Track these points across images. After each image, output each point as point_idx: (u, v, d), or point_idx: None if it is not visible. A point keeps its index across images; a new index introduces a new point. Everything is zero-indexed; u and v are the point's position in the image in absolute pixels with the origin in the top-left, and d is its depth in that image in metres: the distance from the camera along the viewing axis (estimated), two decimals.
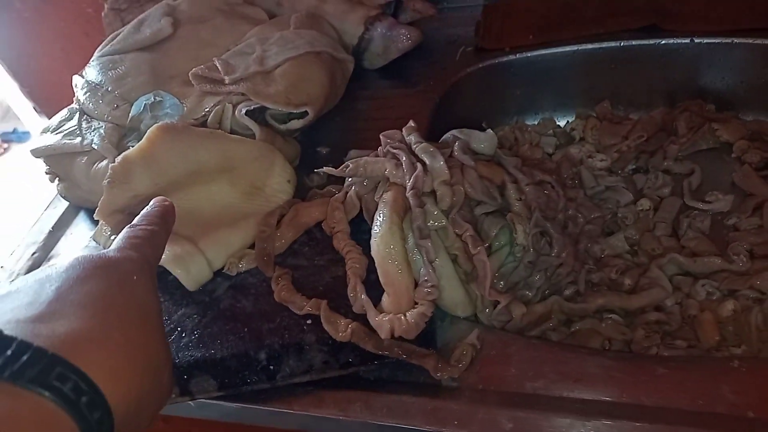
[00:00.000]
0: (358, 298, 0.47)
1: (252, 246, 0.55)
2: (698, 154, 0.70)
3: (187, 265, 0.51)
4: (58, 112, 0.66)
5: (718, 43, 0.66)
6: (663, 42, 0.67)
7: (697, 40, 0.66)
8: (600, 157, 0.70)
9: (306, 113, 0.59)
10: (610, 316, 0.54)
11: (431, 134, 0.65)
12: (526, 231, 0.50)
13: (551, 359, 0.45)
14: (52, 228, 0.66)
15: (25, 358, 0.25)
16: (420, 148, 0.50)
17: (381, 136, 0.54)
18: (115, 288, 0.31)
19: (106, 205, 0.54)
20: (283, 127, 0.60)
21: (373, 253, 0.46)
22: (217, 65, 0.60)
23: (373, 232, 0.47)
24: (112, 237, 0.56)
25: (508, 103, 0.77)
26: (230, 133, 0.58)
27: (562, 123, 0.77)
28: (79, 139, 0.58)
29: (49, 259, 0.63)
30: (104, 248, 0.57)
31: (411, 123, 0.54)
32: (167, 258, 0.51)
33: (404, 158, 0.49)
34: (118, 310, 0.30)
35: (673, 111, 0.71)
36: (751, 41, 0.65)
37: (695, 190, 0.66)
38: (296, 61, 0.61)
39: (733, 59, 0.67)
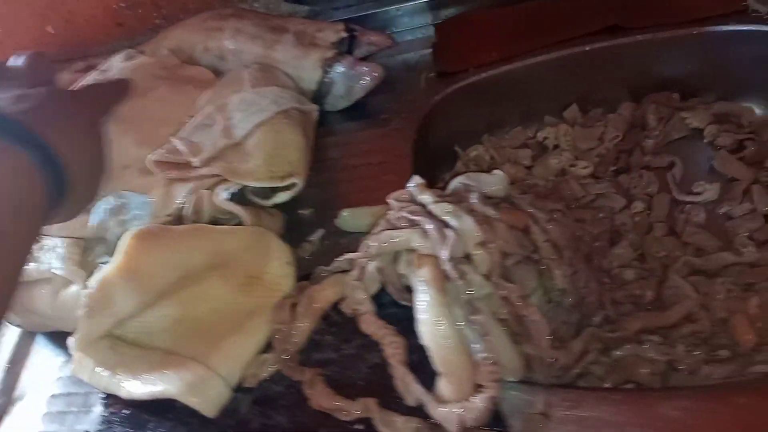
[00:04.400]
0: (411, 389, 0.43)
1: (267, 348, 0.48)
2: (672, 144, 0.70)
3: (204, 391, 0.44)
4: None
5: (678, 34, 0.66)
6: (627, 40, 0.66)
7: (659, 35, 0.66)
8: (582, 164, 0.69)
9: (293, 184, 0.53)
10: (649, 337, 0.53)
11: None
12: (564, 273, 0.48)
13: (626, 410, 0.43)
14: (9, 363, 0.56)
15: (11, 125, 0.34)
16: (439, 208, 0.46)
17: (390, 200, 0.49)
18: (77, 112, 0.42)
19: (86, 338, 0.46)
20: (268, 203, 0.54)
21: (425, 341, 0.42)
22: (179, 146, 0.52)
23: (419, 317, 0.42)
24: (97, 369, 0.48)
25: (476, 121, 0.74)
26: (212, 224, 0.51)
27: (530, 132, 0.75)
28: (33, 265, 0.48)
29: (15, 402, 0.54)
30: (89, 382, 0.48)
31: (418, 179, 0.50)
32: (179, 389, 0.44)
33: (430, 225, 0.44)
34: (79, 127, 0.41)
35: (640, 105, 0.71)
36: (709, 29, 0.65)
37: (680, 182, 0.67)
38: (267, 126, 0.54)
39: (692, 49, 0.67)
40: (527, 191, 0.55)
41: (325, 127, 0.68)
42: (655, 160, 0.68)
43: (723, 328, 0.54)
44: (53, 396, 0.53)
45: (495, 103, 0.72)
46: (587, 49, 0.67)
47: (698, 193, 0.65)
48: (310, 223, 0.60)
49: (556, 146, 0.73)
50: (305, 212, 0.61)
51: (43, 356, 0.56)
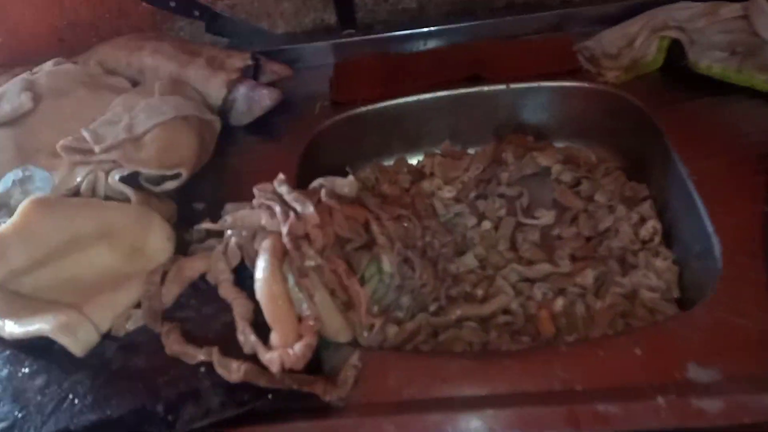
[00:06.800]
0: (248, 339, 0.52)
1: (138, 305, 0.57)
2: (525, 178, 0.83)
3: (74, 331, 0.52)
4: None
5: (528, 87, 0.80)
6: (485, 89, 0.80)
7: (512, 86, 0.80)
8: (447, 188, 0.81)
9: (179, 174, 0.63)
10: (468, 323, 0.64)
11: (300, 182, 0.72)
12: (390, 260, 0.58)
13: (421, 366, 0.53)
14: None
15: None
16: (291, 197, 0.57)
17: (254, 189, 0.60)
18: None
19: None
20: (157, 188, 0.64)
21: (258, 296, 0.51)
22: (86, 136, 0.62)
23: (255, 277, 0.52)
24: None
25: (366, 148, 0.86)
26: (105, 200, 0.60)
27: (413, 161, 0.88)
28: None
29: None
30: None
31: (281, 176, 0.60)
32: (52, 328, 0.52)
33: (278, 208, 0.55)
34: None
35: (501, 144, 0.84)
36: (552, 84, 0.80)
37: (526, 209, 0.79)
38: (165, 126, 0.65)
39: (541, 99, 0.81)
40: (380, 194, 0.66)
41: (230, 138, 0.79)
42: (508, 190, 0.81)
43: (532, 322, 0.65)
44: None
45: (381, 133, 0.85)
46: (452, 93, 0.80)
47: (538, 218, 0.77)
48: (202, 215, 0.69)
49: (431, 173, 0.85)
50: (199, 206, 0.71)
51: None
